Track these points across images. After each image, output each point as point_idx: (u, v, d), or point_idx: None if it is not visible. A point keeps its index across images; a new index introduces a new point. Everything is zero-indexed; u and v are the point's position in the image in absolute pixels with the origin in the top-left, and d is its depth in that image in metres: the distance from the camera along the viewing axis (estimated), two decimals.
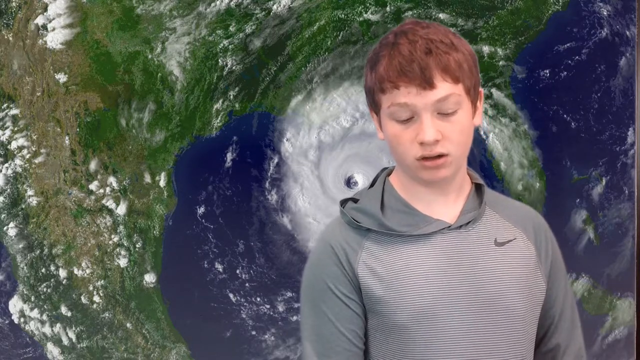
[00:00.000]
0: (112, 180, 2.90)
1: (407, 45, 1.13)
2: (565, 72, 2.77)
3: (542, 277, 1.25)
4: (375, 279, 1.18)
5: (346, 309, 1.20)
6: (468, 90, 1.16)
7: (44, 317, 2.97)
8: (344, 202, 1.29)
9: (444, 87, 1.12)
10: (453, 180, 1.21)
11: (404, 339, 1.17)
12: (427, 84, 1.12)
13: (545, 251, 1.27)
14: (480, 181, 1.27)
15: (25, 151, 2.93)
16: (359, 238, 1.22)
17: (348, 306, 1.21)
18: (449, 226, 1.20)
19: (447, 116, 1.14)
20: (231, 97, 2.83)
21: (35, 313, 2.97)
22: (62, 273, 2.95)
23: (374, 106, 1.22)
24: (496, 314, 1.18)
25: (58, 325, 2.96)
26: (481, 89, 1.23)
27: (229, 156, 2.85)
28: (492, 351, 1.17)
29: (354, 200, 1.28)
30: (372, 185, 1.30)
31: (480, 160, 2.81)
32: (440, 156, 1.15)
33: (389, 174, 1.29)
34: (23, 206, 2.95)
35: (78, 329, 2.95)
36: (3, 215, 2.95)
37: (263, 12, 2.80)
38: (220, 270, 2.88)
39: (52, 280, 2.95)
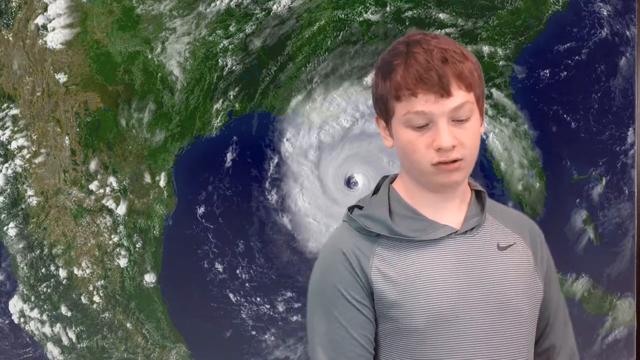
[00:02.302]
0: (112, 180, 2.90)
1: (424, 54, 1.16)
2: (565, 72, 2.77)
3: (539, 280, 1.30)
4: (389, 284, 1.20)
5: (358, 315, 1.21)
6: (478, 98, 1.20)
7: (44, 317, 2.97)
8: (350, 210, 1.30)
9: (459, 95, 1.16)
10: (459, 186, 1.24)
11: (418, 342, 1.19)
12: (445, 91, 1.15)
13: (540, 255, 1.32)
14: (480, 188, 1.31)
15: (25, 151, 2.93)
16: (369, 244, 1.23)
17: (360, 312, 1.21)
18: (456, 231, 1.23)
19: (461, 123, 1.17)
20: (231, 97, 2.83)
21: (35, 313, 2.97)
22: (62, 273, 2.95)
23: (385, 114, 1.24)
24: (504, 315, 1.21)
25: (58, 325, 2.96)
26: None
27: (229, 156, 2.85)
28: (502, 352, 1.20)
29: (359, 207, 1.29)
30: (374, 193, 1.31)
31: (480, 160, 2.81)
32: (455, 161, 1.17)
33: (391, 182, 1.31)
34: (23, 206, 2.95)
35: (78, 329, 2.95)
36: (3, 215, 2.95)
37: (263, 12, 2.80)
38: (220, 270, 2.88)
39: (52, 280, 2.96)
